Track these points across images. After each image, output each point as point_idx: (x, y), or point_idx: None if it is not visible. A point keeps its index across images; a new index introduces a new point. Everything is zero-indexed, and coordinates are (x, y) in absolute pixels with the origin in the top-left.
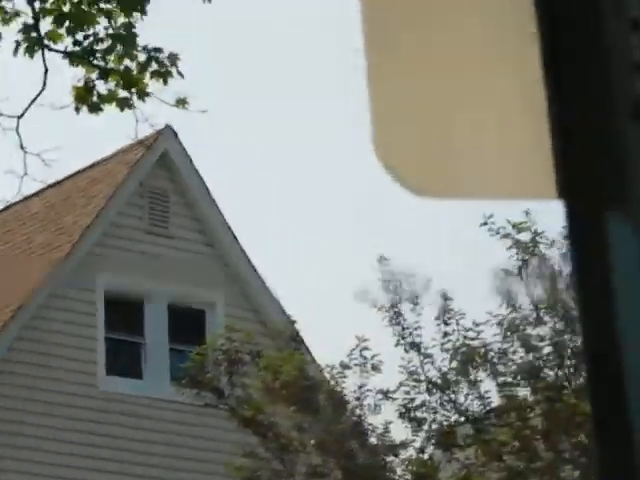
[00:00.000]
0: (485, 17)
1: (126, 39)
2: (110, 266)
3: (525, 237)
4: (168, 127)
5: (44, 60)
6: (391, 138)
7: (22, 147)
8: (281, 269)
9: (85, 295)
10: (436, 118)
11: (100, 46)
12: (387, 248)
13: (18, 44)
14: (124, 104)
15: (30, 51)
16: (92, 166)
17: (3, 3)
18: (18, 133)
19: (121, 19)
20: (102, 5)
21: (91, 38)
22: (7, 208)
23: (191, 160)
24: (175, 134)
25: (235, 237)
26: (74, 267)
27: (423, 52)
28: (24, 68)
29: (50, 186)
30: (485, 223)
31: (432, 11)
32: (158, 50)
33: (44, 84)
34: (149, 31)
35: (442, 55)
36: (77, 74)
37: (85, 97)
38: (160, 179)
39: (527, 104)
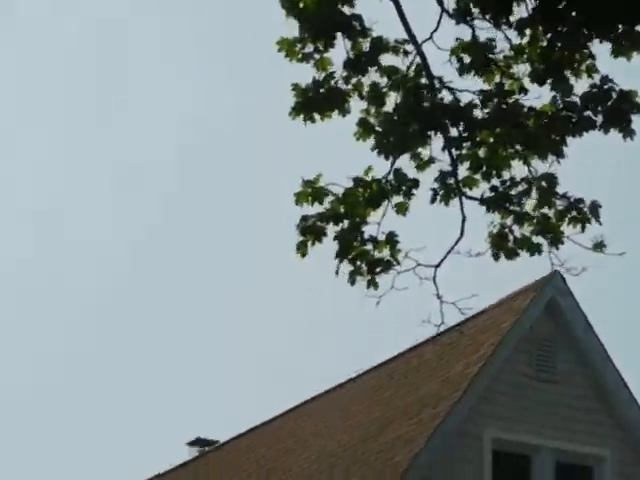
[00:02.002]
0: None
1: (545, 189)
2: (497, 416)
3: None
4: (556, 272)
5: (462, 208)
6: None
7: (438, 296)
8: None
9: (472, 448)
10: None
11: (515, 190)
12: None
13: (435, 192)
14: (535, 250)
15: (446, 199)
16: (479, 314)
17: (419, 150)
18: (435, 282)
19: (537, 163)
20: (518, 148)
21: (508, 183)
22: (399, 356)
23: (579, 306)
24: (563, 279)
25: (628, 389)
26: (462, 418)
27: None
28: (437, 215)
29: (439, 334)
30: None
31: None
32: (579, 201)
33: (462, 232)
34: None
35: None
36: (492, 219)
37: (501, 243)
38: (547, 325)
39: None
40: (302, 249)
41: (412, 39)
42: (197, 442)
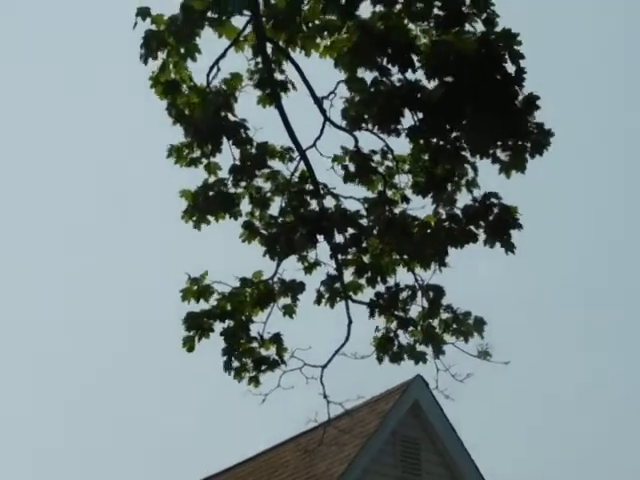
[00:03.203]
0: None
1: (432, 300)
2: None
3: None
4: (419, 376)
5: (348, 311)
6: None
7: (325, 396)
8: None
9: None
10: None
11: (400, 296)
12: None
13: (320, 294)
14: (419, 358)
15: (331, 301)
16: (343, 414)
17: (305, 253)
18: (322, 382)
19: (421, 270)
20: (403, 255)
21: (393, 289)
22: (259, 455)
23: (442, 409)
24: (426, 383)
25: None
26: None
27: None
28: (325, 315)
29: (302, 434)
30: None
31: None
32: (466, 315)
33: (348, 335)
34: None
35: None
36: (378, 322)
37: (386, 347)
38: (412, 428)
39: None
40: (189, 344)
41: (296, 145)
42: None
